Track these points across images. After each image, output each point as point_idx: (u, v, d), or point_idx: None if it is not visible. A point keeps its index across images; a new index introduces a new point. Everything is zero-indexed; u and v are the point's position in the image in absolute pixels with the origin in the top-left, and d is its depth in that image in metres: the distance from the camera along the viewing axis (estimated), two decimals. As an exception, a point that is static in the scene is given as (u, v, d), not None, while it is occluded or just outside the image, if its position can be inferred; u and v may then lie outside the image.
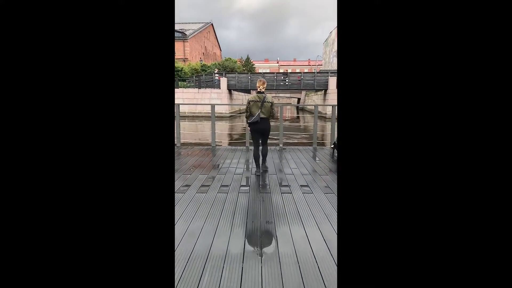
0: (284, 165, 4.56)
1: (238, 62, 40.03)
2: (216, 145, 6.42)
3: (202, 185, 3.48)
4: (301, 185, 3.51)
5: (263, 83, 3.93)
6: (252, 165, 4.52)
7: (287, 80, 23.46)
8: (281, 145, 6.27)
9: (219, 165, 4.56)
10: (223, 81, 23.53)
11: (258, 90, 3.91)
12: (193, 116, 21.15)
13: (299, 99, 45.40)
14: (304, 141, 11.05)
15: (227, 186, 3.46)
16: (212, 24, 52.71)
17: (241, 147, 6.20)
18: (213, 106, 6.27)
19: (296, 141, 10.85)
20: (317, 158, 5.15)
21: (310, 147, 6.29)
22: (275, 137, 7.37)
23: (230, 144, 10.81)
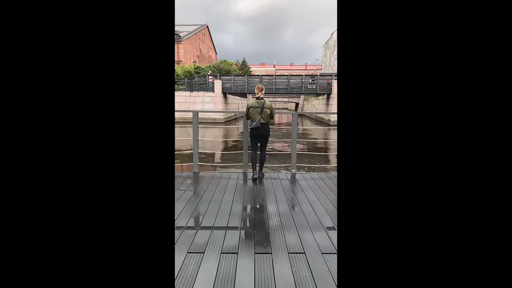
0: (310, 223, 2.60)
1: (234, 65, 38.32)
2: (200, 170, 4.45)
3: None
4: None
5: (262, 90, 3.96)
6: (255, 212, 2.60)
7: (314, 84, 21.26)
8: (294, 171, 4.34)
9: (199, 218, 2.60)
10: (218, 84, 21.63)
11: (257, 96, 3.93)
12: (184, 122, 19.19)
13: (297, 104, 43.51)
14: (319, 155, 9.10)
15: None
16: (207, 26, 51.03)
17: (236, 172, 4.25)
18: (195, 113, 4.33)
19: (308, 151, 8.88)
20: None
21: (335, 174, 4.34)
22: (286, 154, 5.48)
23: (222, 165, 8.83)
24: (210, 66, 31.03)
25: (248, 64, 45.72)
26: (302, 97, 38.36)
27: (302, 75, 22.68)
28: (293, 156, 4.34)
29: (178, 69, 28.22)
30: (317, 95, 25.30)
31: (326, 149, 11.02)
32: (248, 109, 3.93)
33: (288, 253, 2.01)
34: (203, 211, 2.79)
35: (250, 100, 4.09)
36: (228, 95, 24.10)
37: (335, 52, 37.63)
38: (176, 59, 37.77)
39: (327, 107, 22.07)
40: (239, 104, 30.44)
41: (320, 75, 22.98)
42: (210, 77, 22.69)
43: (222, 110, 17.02)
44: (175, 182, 3.68)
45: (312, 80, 21.41)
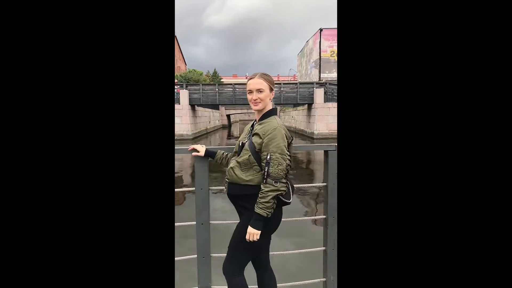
0: None
1: (205, 76, 35.62)
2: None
3: None
4: None
5: (266, 87, 1.38)
6: None
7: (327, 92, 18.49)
8: (332, 277, 1.75)
9: None
10: (184, 94, 18.73)
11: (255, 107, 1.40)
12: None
13: (272, 116, 41.46)
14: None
15: None
16: (176, 36, 48.32)
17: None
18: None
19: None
20: None
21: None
22: (309, 244, 2.88)
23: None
24: (176, 76, 28.07)
25: (220, 76, 43.25)
26: (278, 108, 36.45)
27: (280, 83, 20.53)
28: (330, 255, 1.76)
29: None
30: (295, 105, 23.27)
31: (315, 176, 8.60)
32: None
33: None
34: None
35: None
36: (197, 107, 21.29)
37: (312, 60, 36.27)
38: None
39: (309, 118, 20.01)
40: (210, 118, 27.60)
41: (301, 83, 20.97)
42: (175, 86, 19.79)
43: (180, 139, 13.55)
44: None
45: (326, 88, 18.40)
